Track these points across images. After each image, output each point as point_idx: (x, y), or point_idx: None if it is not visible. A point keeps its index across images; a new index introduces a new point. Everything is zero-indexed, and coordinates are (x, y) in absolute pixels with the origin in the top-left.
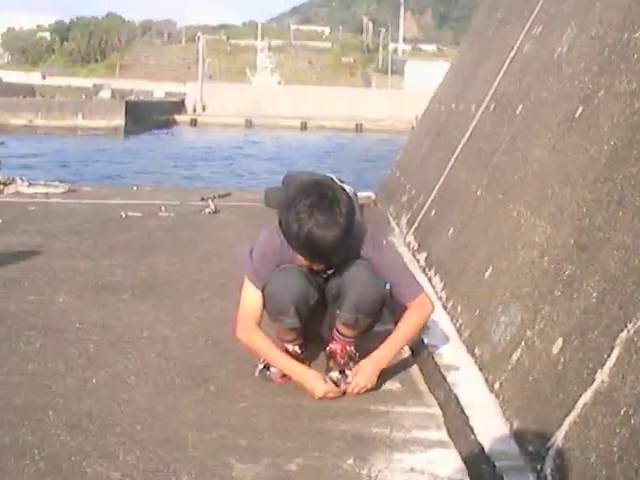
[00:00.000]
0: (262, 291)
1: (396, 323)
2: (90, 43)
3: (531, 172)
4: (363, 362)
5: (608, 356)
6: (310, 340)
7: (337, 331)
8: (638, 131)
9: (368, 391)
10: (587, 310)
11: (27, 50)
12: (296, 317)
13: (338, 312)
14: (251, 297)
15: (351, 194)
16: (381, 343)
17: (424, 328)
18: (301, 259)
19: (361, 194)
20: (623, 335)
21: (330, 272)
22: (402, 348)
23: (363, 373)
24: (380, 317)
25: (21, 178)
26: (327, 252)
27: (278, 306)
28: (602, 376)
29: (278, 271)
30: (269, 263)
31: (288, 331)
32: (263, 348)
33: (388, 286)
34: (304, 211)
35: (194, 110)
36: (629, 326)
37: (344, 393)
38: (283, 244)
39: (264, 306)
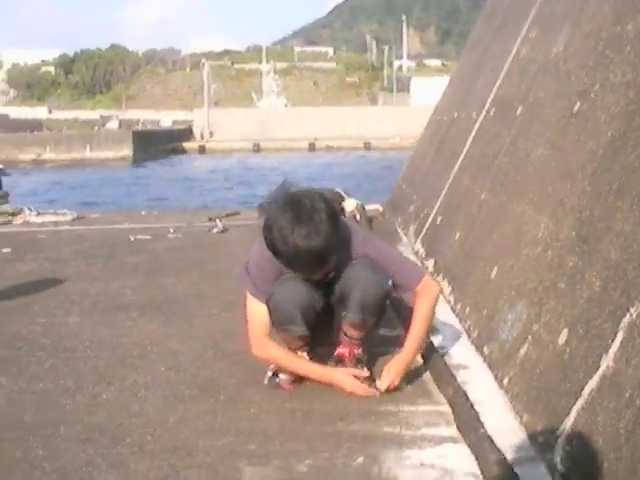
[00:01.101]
0: (267, 303)
1: (405, 327)
2: (95, 75)
3: (532, 170)
4: (392, 360)
5: (612, 341)
6: (316, 344)
7: (344, 334)
8: (634, 120)
9: (397, 388)
10: (591, 299)
11: (32, 85)
12: (304, 325)
13: (344, 314)
14: (257, 311)
15: (358, 207)
16: (389, 347)
17: (435, 312)
18: None
19: (369, 207)
20: (626, 320)
21: (331, 276)
22: (425, 338)
23: (393, 370)
24: (384, 313)
25: (29, 208)
26: (317, 262)
27: (285, 316)
28: (607, 361)
29: (281, 281)
30: (267, 275)
31: (295, 340)
32: (283, 358)
33: (390, 282)
34: (285, 227)
35: (202, 137)
36: (632, 310)
37: (375, 391)
38: None
39: (270, 318)
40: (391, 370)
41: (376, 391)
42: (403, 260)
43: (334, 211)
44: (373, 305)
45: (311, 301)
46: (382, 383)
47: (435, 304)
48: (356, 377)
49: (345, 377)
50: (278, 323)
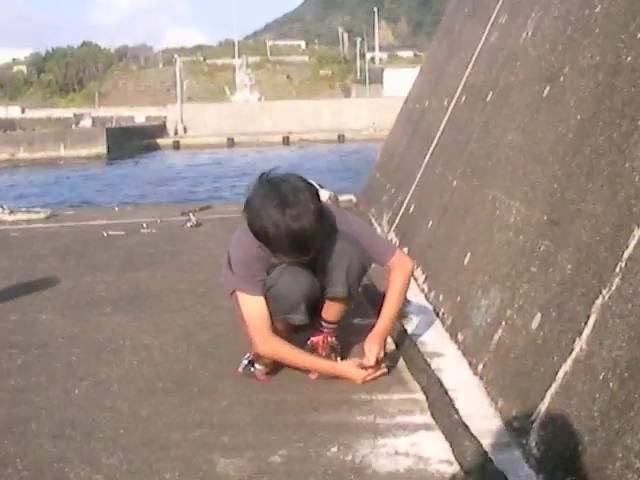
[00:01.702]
0: (266, 295)
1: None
2: (67, 73)
3: (504, 156)
4: (371, 334)
5: (585, 324)
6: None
7: (321, 319)
8: (603, 102)
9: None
10: (563, 282)
11: (4, 84)
12: (306, 314)
13: (328, 290)
14: (254, 307)
15: (331, 197)
16: (363, 336)
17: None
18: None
19: (342, 197)
20: (598, 302)
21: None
22: (398, 311)
23: (376, 343)
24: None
25: (1, 206)
26: (310, 242)
27: (288, 304)
28: (580, 344)
29: (282, 270)
30: (256, 269)
31: (288, 327)
32: (289, 354)
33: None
34: (275, 212)
35: (176, 132)
36: (604, 292)
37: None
38: (263, 248)
39: (269, 305)
40: (373, 344)
41: (384, 369)
42: (377, 235)
43: (313, 189)
44: (357, 276)
45: (314, 289)
46: (370, 358)
47: (409, 278)
48: (362, 367)
49: (353, 369)
50: (279, 312)
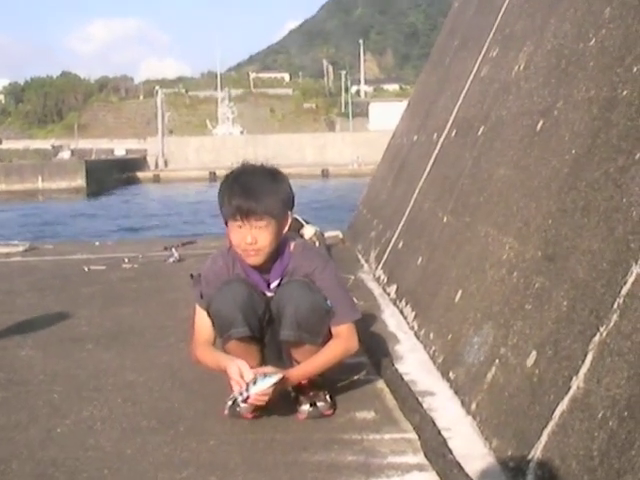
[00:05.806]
0: (208, 311)
1: (367, 354)
2: (46, 103)
3: (496, 191)
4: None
5: (582, 362)
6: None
7: (295, 361)
8: (598, 136)
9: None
10: (559, 319)
11: None
12: (245, 325)
13: (280, 333)
14: (201, 320)
15: (317, 233)
16: (351, 374)
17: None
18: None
19: (328, 233)
20: (596, 339)
21: (274, 285)
22: (313, 374)
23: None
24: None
25: None
26: (254, 188)
27: (225, 318)
28: (577, 382)
29: (220, 286)
30: (214, 286)
31: (245, 349)
32: (208, 355)
33: (329, 302)
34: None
35: (156, 166)
36: (601, 329)
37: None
38: (227, 265)
39: (214, 326)
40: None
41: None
42: (345, 296)
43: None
44: (309, 323)
45: (251, 300)
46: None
47: (345, 356)
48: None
49: (233, 366)
50: (221, 329)
